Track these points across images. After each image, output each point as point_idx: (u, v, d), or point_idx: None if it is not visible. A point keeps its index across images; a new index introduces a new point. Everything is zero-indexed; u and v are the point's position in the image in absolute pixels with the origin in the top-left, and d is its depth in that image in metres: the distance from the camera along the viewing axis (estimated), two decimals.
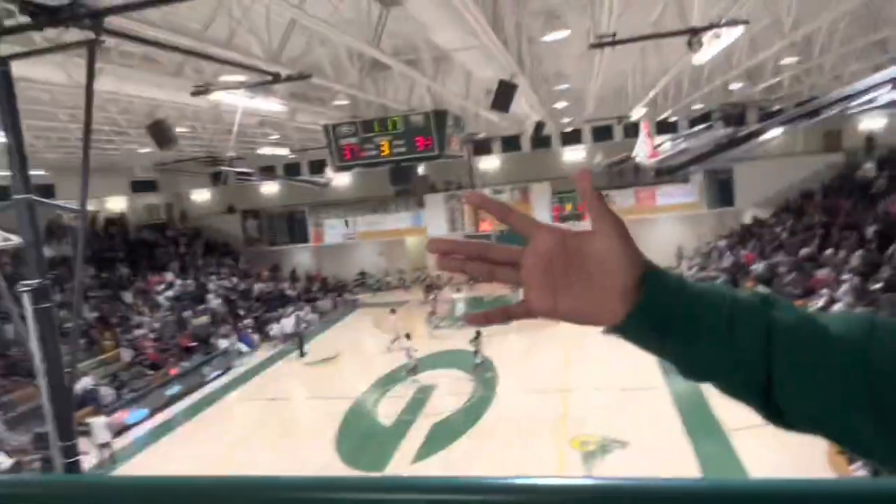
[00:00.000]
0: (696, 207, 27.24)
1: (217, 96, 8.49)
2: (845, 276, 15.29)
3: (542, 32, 8.33)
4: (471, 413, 14.65)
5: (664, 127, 25.87)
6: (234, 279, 27.31)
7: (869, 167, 23.37)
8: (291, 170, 30.08)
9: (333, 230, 30.51)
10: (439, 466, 12.04)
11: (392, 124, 13.70)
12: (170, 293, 23.58)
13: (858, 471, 9.44)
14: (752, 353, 0.71)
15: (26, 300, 5.05)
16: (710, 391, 14.28)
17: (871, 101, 10.03)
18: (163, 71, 9.17)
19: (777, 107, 21.53)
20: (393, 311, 22.22)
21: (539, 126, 19.14)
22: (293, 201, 31.00)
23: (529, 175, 29.01)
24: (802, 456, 10.58)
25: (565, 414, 13.99)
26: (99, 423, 13.53)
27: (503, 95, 9.93)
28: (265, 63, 7.72)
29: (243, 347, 22.05)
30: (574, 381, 16.08)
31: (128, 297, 22.24)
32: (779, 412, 0.72)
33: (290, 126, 17.92)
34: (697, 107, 19.94)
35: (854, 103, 10.05)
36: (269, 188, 31.93)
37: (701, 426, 12.53)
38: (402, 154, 13.85)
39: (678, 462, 11.15)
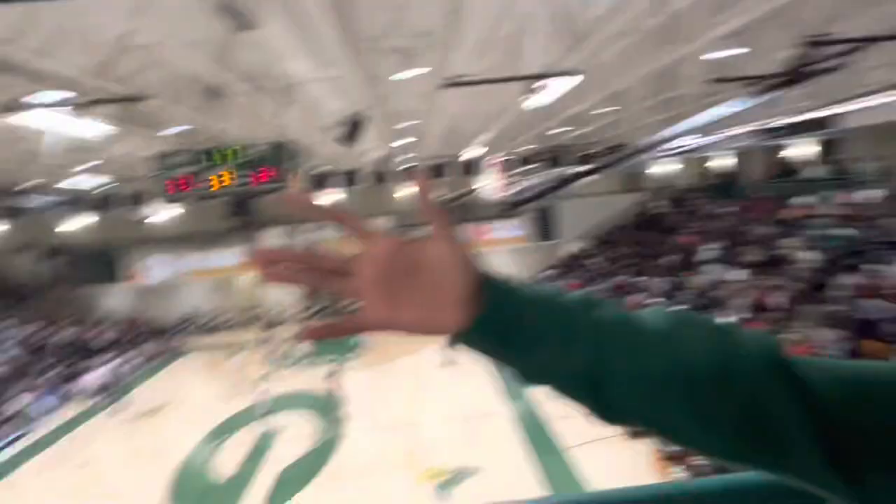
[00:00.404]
0: (525, 241, 29.32)
1: (25, 116, 7.38)
2: (650, 301, 17.35)
3: (395, 70, 8.51)
4: (320, 455, 14.02)
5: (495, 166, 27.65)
6: (32, 326, 23.63)
7: (653, 205, 27.11)
8: (107, 202, 27.07)
9: (156, 268, 27.87)
10: None
11: (231, 155, 13.04)
12: None
13: (678, 475, 10.61)
14: (581, 355, 0.73)
15: None
16: (547, 412, 15.26)
17: (671, 148, 11.68)
18: None
19: (592, 150, 24.17)
20: (233, 354, 20.83)
21: (381, 162, 19.39)
22: (108, 236, 27.86)
23: (369, 210, 29.14)
24: (631, 465, 11.69)
25: (415, 448, 13.96)
26: None
27: (352, 129, 9.93)
28: (91, 80, 6.92)
29: (45, 406, 19.03)
30: (420, 413, 16.16)
31: None
32: (609, 409, 0.73)
33: (113, 153, 16.20)
34: (522, 149, 21.66)
35: (659, 149, 11.60)
36: (78, 222, 28.34)
37: (543, 446, 13.26)
38: (241, 186, 13.19)
39: (527, 482, 11.65)
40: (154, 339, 26.17)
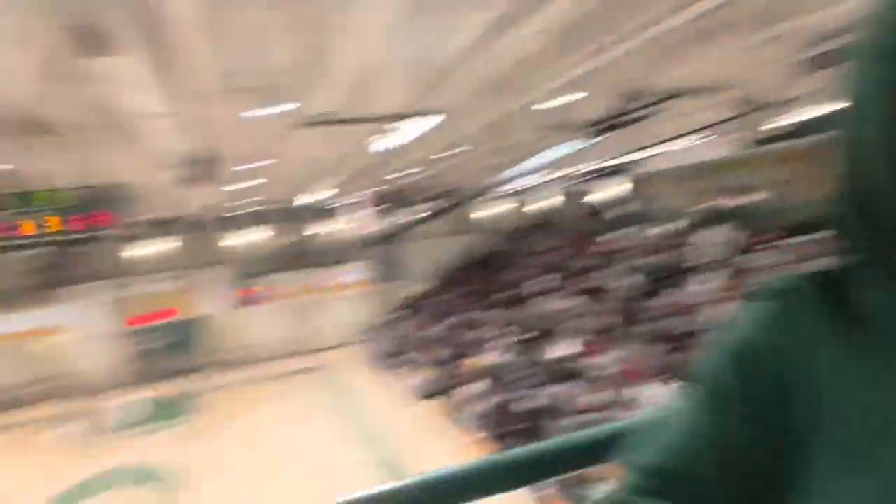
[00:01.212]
0: (368, 284, 29.33)
1: None
2: (497, 332, 18.36)
3: (247, 108, 8.25)
4: None
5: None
6: None
7: (484, 245, 28.94)
8: None
9: None
10: None
11: (39, 199, 11.56)
12: None
13: None
14: None
15: None
16: (410, 444, 15.23)
17: (504, 189, 12.63)
18: None
19: (435, 192, 25.23)
20: (38, 431, 17.81)
21: (217, 207, 18.34)
22: None
23: (203, 258, 27.13)
24: None
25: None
26: None
27: (203, 168, 9.36)
28: None
29: None
30: (277, 476, 15.15)
31: None
32: None
33: None
34: (370, 190, 21.97)
35: (494, 191, 12.39)
36: None
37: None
38: (53, 234, 11.72)
39: None
40: None
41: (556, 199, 29.08)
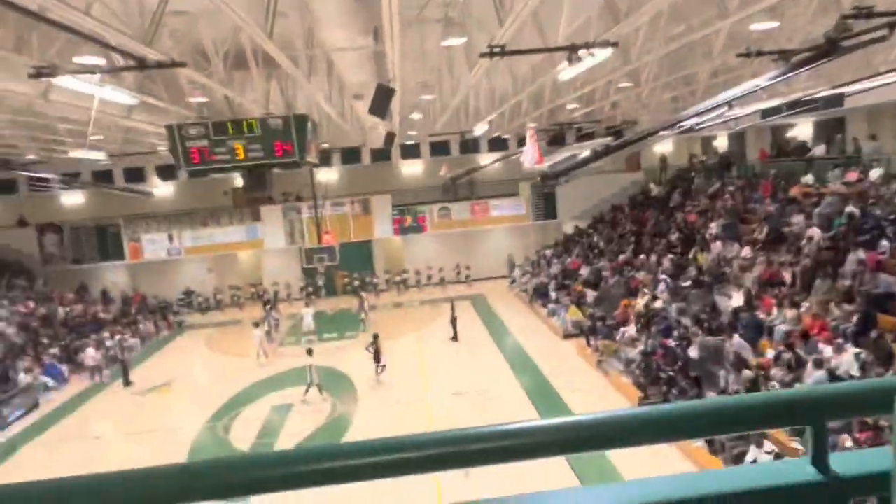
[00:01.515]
0: (525, 219, 29.39)
1: (64, 80, 7.25)
2: (661, 277, 17.57)
3: (429, 40, 8.46)
4: (334, 430, 14.13)
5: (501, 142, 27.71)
6: (31, 303, 23.37)
7: (654, 186, 27.21)
8: (103, 177, 26.63)
9: (154, 245, 27.54)
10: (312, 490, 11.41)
11: (248, 127, 12.91)
12: None
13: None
14: None
15: None
16: (557, 383, 15.50)
17: (686, 125, 11.75)
18: None
19: (607, 127, 24.24)
20: (256, 324, 20.80)
21: (390, 137, 19.27)
22: (104, 213, 27.48)
23: (369, 188, 29.04)
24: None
25: (431, 422, 14.12)
26: None
27: (381, 100, 9.87)
28: (132, 45, 6.81)
29: (50, 381, 18.91)
30: (432, 389, 16.28)
31: None
32: None
33: (118, 126, 15.96)
34: (532, 125, 21.64)
35: (677, 126, 11.64)
36: (73, 198, 27.90)
37: (552, 410, 13.46)
38: (258, 159, 13.08)
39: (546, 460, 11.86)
40: (154, 316, 26.02)
41: (737, 137, 26.44)
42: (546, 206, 29.19)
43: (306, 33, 8.68)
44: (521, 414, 13.87)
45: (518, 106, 18.43)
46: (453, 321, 20.46)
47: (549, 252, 27.82)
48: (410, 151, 28.15)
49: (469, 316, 22.96)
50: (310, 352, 16.18)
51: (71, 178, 23.43)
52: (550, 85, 15.72)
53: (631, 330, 16.29)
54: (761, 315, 13.36)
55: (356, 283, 29.12)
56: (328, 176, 29.05)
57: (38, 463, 13.76)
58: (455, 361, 18.23)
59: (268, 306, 24.99)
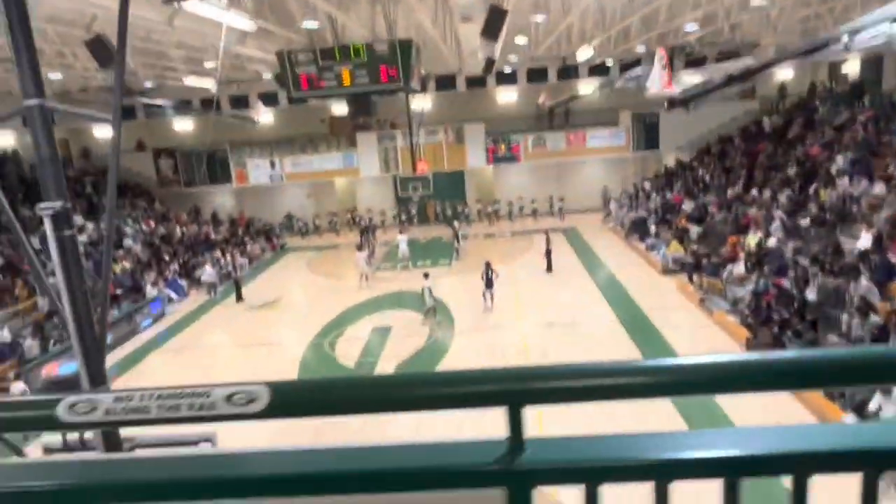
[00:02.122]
0: (624, 150, 28.15)
1: (193, 5, 7.46)
2: (776, 213, 16.45)
3: None
4: (434, 352, 14.66)
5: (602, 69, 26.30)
6: (152, 222, 25.33)
7: (768, 118, 24.99)
8: (208, 104, 27.79)
9: (258, 170, 28.78)
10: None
11: (354, 52, 12.94)
12: (83, 238, 21.46)
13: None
14: None
15: (48, 225, 4.32)
16: (656, 319, 15.18)
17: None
18: None
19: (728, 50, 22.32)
20: (360, 247, 21.67)
21: (489, 63, 18.71)
22: (212, 139, 28.86)
23: (463, 115, 28.65)
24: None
25: (527, 347, 14.33)
26: (17, 389, 12.18)
27: (493, 22, 9.50)
28: None
29: (172, 294, 20.69)
30: (526, 319, 16.40)
31: (34, 241, 19.98)
32: None
33: (227, 53, 16.37)
34: (640, 49, 20.29)
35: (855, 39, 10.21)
36: (184, 124, 29.48)
37: (658, 353, 13.26)
38: (364, 85, 13.18)
39: None
40: (260, 238, 27.54)
41: (874, 62, 23.64)
42: (647, 136, 27.77)
43: None
44: (617, 348, 13.79)
45: (625, 29, 17.28)
46: (548, 253, 20.30)
47: (648, 185, 26.68)
48: (506, 78, 27.25)
49: (562, 248, 22.66)
50: (426, 275, 16.64)
51: (184, 105, 24.66)
52: (667, 4, 14.56)
53: (739, 268, 15.51)
54: (893, 258, 12.30)
55: (448, 212, 29.36)
56: (423, 103, 28.78)
57: (165, 368, 15.29)
58: (549, 293, 18.20)
59: (368, 231, 25.84)
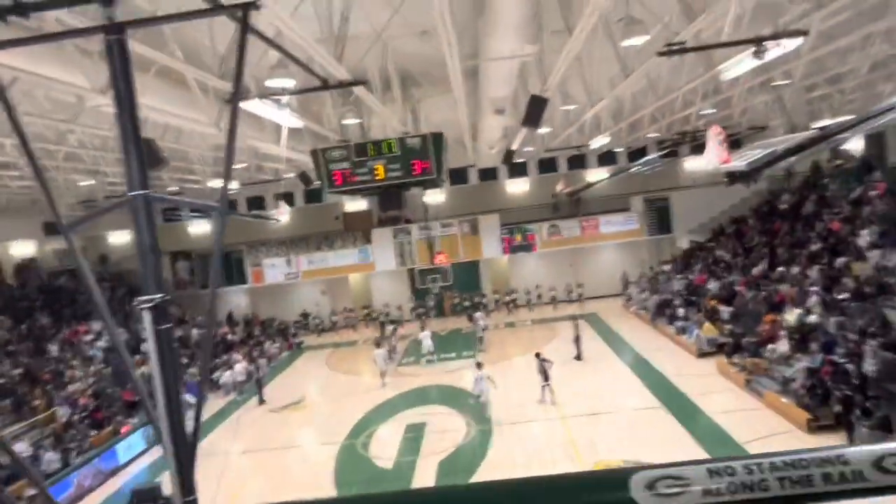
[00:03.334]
0: (637, 234, 28.37)
1: (253, 105, 7.63)
2: (812, 289, 16.23)
3: (589, 44, 8.25)
4: (475, 448, 13.93)
5: (610, 157, 27.05)
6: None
7: (778, 192, 25.42)
8: (234, 204, 28.31)
9: (273, 269, 28.83)
10: None
11: (387, 147, 13.20)
12: (100, 343, 21.06)
13: None
14: None
15: (146, 318, 4.07)
16: (704, 404, 14.53)
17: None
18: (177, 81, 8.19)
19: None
20: (378, 344, 21.24)
21: (509, 154, 19.23)
22: (227, 240, 29.10)
23: (475, 208, 29.11)
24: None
25: (572, 440, 13.61)
26: None
27: (534, 111, 9.74)
28: (325, 63, 7.03)
29: (190, 398, 19.95)
30: (565, 408, 15.71)
31: (53, 349, 19.59)
32: None
33: (256, 153, 16.86)
34: (652, 135, 20.98)
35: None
36: (200, 227, 29.87)
37: (717, 441, 12.57)
38: (397, 178, 13.32)
39: None
40: (276, 337, 27.08)
41: (875, 138, 24.35)
42: (659, 219, 28.10)
43: (466, 46, 8.71)
44: (670, 437, 13.09)
45: (640, 118, 17.89)
46: (577, 340, 19.87)
47: (667, 267, 26.65)
48: (519, 170, 27.98)
49: (587, 334, 22.18)
50: (479, 365, 15.96)
51: (210, 208, 24.94)
52: (683, 94, 15.13)
53: (782, 346, 15.08)
54: None
55: (466, 303, 29.12)
56: (435, 197, 29.39)
57: (200, 476, 14.37)
58: (584, 381, 17.58)
59: (392, 326, 25.50)
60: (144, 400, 4.72)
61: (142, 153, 4.31)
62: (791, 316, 15.89)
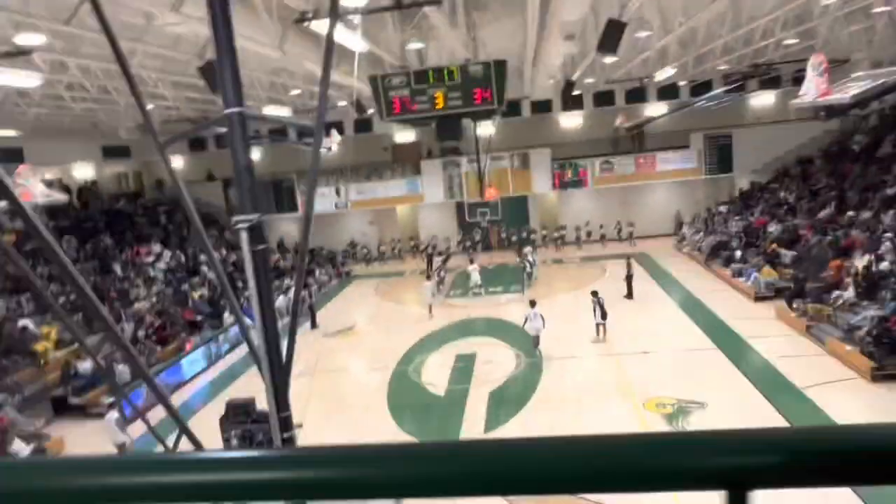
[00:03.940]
0: (696, 173, 27.34)
1: (320, 25, 7.38)
2: (886, 236, 15.47)
3: None
4: (526, 380, 14.11)
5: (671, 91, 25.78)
6: (223, 251, 25.69)
7: (861, 137, 23.87)
8: (276, 134, 28.31)
9: (323, 199, 29.02)
10: (516, 435, 11.48)
11: (448, 75, 12.78)
12: (161, 265, 21.88)
13: None
14: None
15: (243, 238, 4.11)
16: (761, 348, 14.27)
17: None
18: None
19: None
20: (428, 276, 21.51)
21: (569, 85, 18.47)
22: (278, 168, 29.36)
23: (527, 141, 28.43)
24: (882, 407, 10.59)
25: (625, 378, 13.63)
26: (111, 418, 12.01)
27: (611, 36, 9.19)
28: None
29: (248, 321, 20.69)
30: (616, 346, 15.68)
31: (117, 269, 20.45)
32: None
33: (312, 79, 16.62)
34: (721, 68, 19.79)
35: None
36: (252, 154, 30.03)
37: (774, 385, 12.39)
38: (457, 107, 12.98)
39: (766, 418, 10.98)
40: (326, 265, 27.63)
41: None
42: (720, 158, 26.93)
43: None
44: (728, 382, 12.93)
45: (710, 48, 16.79)
46: (628, 278, 19.62)
47: (723, 208, 25.77)
48: (573, 103, 26.91)
49: (638, 274, 21.87)
50: (532, 303, 15.73)
51: (264, 136, 25.05)
52: (763, 23, 14.04)
53: (849, 293, 14.56)
54: None
55: (513, 238, 28.99)
56: (486, 129, 28.68)
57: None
58: (635, 321, 17.41)
59: (441, 258, 25.70)
60: (240, 317, 4.85)
61: (237, 71, 4.23)
62: (860, 262, 15.24)
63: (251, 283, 4.22)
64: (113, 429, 11.73)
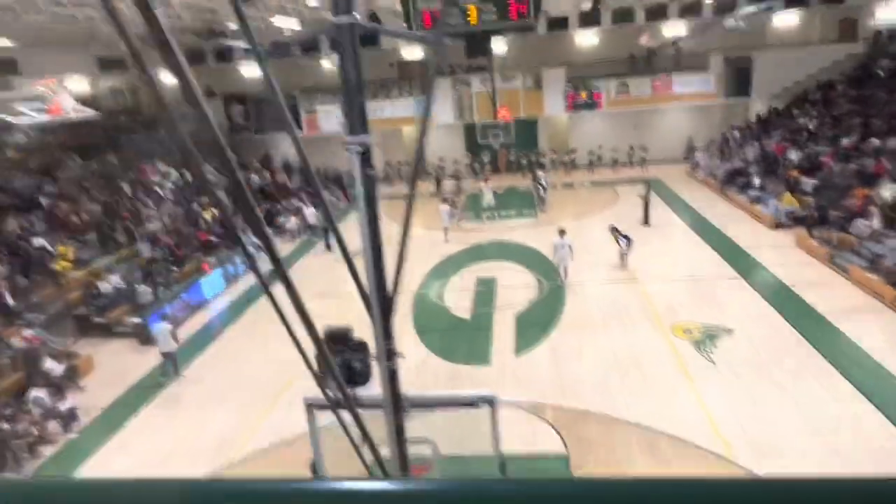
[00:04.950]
0: (713, 97, 26.65)
1: None
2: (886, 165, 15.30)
3: None
4: (550, 305, 14.19)
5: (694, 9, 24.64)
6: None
7: (887, 62, 23.13)
8: (280, 47, 27.08)
9: (328, 117, 28.16)
10: (547, 357, 11.69)
11: None
12: (169, 184, 21.38)
13: None
14: None
15: (355, 162, 3.84)
16: (784, 276, 14.36)
17: None
18: None
19: None
20: (444, 199, 21.33)
21: (597, 2, 17.54)
22: (281, 85, 28.17)
23: (540, 60, 27.41)
24: None
25: (651, 303, 13.74)
26: (164, 329, 12.07)
27: None
28: None
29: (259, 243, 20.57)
30: (638, 272, 15.71)
31: (125, 188, 19.96)
32: None
33: None
34: None
35: None
36: (253, 70, 28.80)
37: (798, 312, 12.54)
38: (491, 22, 12.29)
39: (793, 345, 11.19)
40: (332, 186, 27.18)
41: None
42: (738, 82, 26.16)
43: None
44: (751, 305, 13.08)
45: None
46: (645, 204, 19.47)
47: (737, 134, 25.31)
48: (589, 19, 25.69)
49: (652, 200, 21.71)
50: (562, 232, 15.18)
51: (271, 49, 24.00)
52: None
53: (873, 222, 14.54)
54: None
55: (522, 161, 28.53)
56: (496, 48, 27.54)
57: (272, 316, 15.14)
58: (654, 247, 17.35)
59: (454, 181, 25.38)
60: (245, 248, 4.63)
61: None
62: (887, 191, 15.13)
63: (361, 208, 3.98)
64: (165, 337, 11.88)
